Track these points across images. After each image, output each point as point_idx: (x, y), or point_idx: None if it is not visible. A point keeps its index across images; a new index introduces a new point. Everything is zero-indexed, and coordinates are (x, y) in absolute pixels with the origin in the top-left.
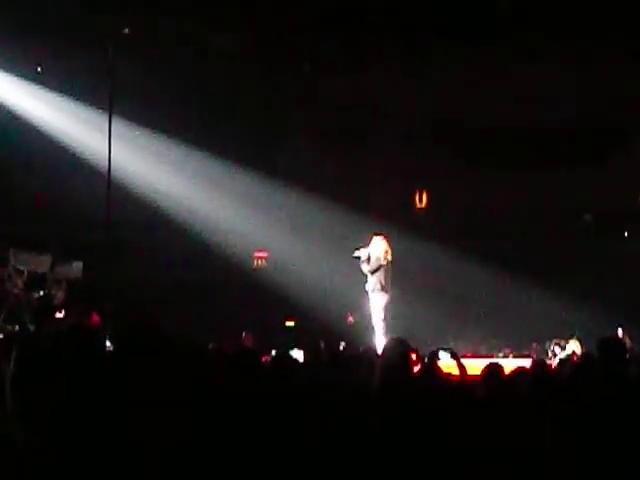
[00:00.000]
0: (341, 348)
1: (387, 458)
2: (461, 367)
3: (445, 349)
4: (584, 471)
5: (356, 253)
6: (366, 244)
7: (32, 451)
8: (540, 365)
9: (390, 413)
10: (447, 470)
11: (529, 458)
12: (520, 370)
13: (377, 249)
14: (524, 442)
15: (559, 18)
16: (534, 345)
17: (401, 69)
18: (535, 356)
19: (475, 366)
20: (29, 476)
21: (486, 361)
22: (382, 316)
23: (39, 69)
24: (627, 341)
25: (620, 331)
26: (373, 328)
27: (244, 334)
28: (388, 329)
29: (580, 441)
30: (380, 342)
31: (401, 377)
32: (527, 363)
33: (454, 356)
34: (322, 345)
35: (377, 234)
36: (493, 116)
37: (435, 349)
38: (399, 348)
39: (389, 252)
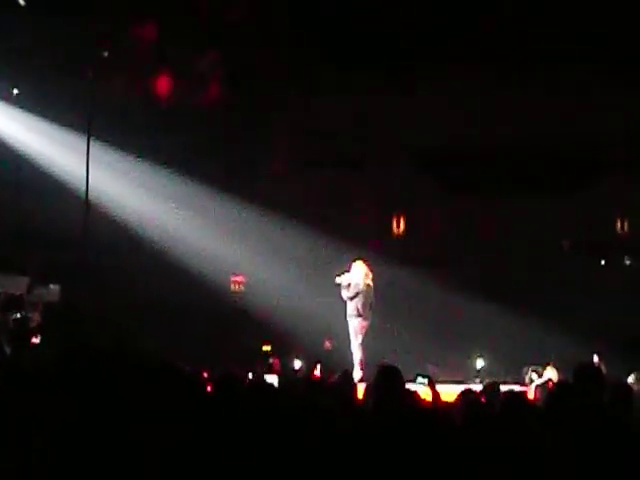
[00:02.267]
0: (317, 370)
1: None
2: (435, 393)
3: (423, 375)
4: None
5: (337, 280)
6: (347, 270)
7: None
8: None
9: (382, 431)
10: None
11: None
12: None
13: (356, 275)
14: (502, 465)
15: (541, 43)
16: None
17: (381, 95)
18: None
19: (451, 392)
20: None
21: (462, 387)
22: (359, 341)
23: (15, 91)
24: (603, 368)
25: (596, 358)
26: (351, 353)
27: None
28: (365, 355)
29: (562, 466)
30: (357, 368)
31: (393, 400)
32: (504, 389)
33: (430, 382)
34: (300, 365)
35: (357, 259)
36: (472, 143)
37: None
38: (394, 373)
39: (369, 276)
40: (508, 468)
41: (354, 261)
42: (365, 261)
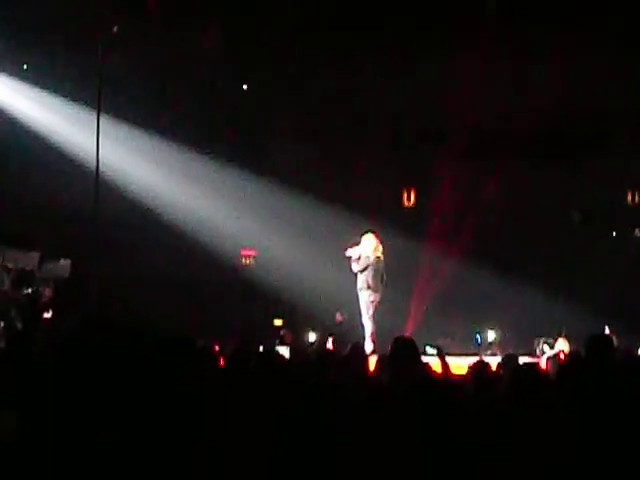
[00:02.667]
0: (329, 343)
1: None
2: (445, 365)
3: (432, 345)
4: (578, 466)
5: (348, 252)
6: (357, 243)
7: (24, 441)
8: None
9: (395, 403)
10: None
11: (522, 453)
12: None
13: (366, 247)
14: (514, 437)
15: (545, 16)
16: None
17: (388, 67)
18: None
19: (462, 364)
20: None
21: (473, 359)
22: (370, 314)
23: (25, 66)
24: (614, 339)
25: (607, 329)
26: (362, 326)
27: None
28: (376, 327)
29: (572, 438)
30: (368, 340)
31: (409, 371)
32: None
33: (439, 353)
34: (315, 338)
35: (368, 232)
36: (481, 115)
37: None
38: (410, 346)
39: (379, 248)
40: (520, 439)
41: (364, 234)
42: (375, 234)
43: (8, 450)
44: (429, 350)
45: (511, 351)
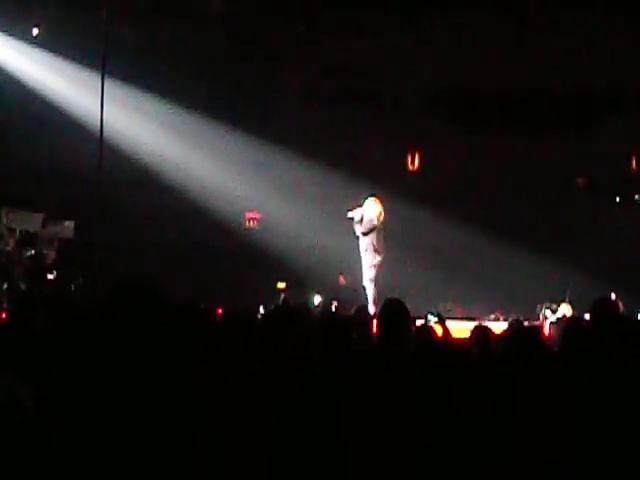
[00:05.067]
0: (333, 308)
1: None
2: (445, 330)
3: (432, 313)
4: (583, 429)
5: (349, 214)
6: (360, 205)
7: (39, 417)
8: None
9: (393, 367)
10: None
11: (524, 419)
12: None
13: (371, 210)
14: (516, 403)
15: None
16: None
17: (395, 31)
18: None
19: (464, 328)
20: (37, 441)
21: (475, 324)
22: (373, 277)
23: (36, 31)
24: (620, 305)
25: (613, 295)
26: (364, 288)
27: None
28: (378, 290)
29: (575, 404)
30: (371, 302)
31: (401, 334)
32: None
33: (440, 320)
34: (320, 301)
35: (371, 195)
36: (487, 80)
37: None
38: (399, 307)
39: (382, 214)
40: (522, 404)
41: (367, 197)
42: (378, 198)
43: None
44: (431, 318)
45: (515, 316)
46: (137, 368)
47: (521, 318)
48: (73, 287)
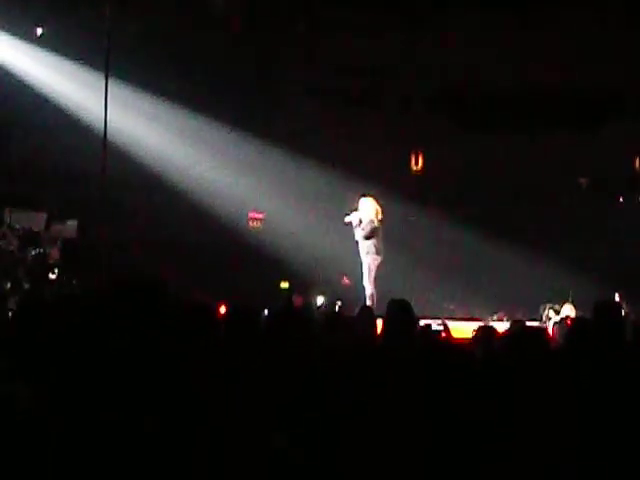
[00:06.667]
0: (337, 308)
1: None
2: (447, 330)
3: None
4: (584, 433)
5: (347, 219)
6: (355, 207)
7: (36, 408)
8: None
9: (395, 366)
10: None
11: (525, 420)
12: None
13: (368, 211)
14: (517, 404)
15: None
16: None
17: (399, 31)
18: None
19: (467, 329)
20: (34, 434)
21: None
22: (373, 277)
23: (39, 31)
24: (624, 307)
25: (617, 296)
26: (364, 288)
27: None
28: (379, 290)
29: (579, 405)
30: (368, 302)
31: (405, 334)
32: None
33: (445, 327)
34: (322, 302)
35: (364, 195)
36: (491, 80)
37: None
38: (404, 307)
39: (379, 211)
40: (524, 405)
41: (361, 197)
42: (372, 197)
43: (19, 421)
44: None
45: (518, 316)
46: (137, 368)
47: (524, 318)
48: (75, 285)
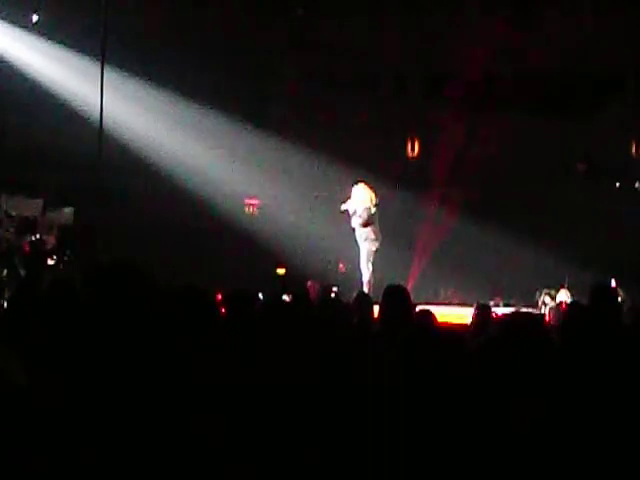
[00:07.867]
0: (333, 294)
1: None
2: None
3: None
4: (579, 413)
5: (343, 207)
6: (349, 196)
7: (33, 391)
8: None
9: (392, 351)
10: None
11: (521, 412)
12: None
13: (363, 198)
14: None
15: None
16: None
17: (395, 16)
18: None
19: (463, 314)
20: (31, 416)
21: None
22: (371, 262)
23: (35, 17)
24: (620, 293)
25: (613, 282)
26: (360, 274)
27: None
28: (375, 275)
29: (575, 388)
30: (365, 287)
31: (402, 319)
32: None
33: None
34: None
35: (357, 182)
36: (486, 64)
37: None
38: (400, 293)
39: (374, 197)
40: (522, 391)
41: (354, 185)
42: (365, 183)
43: (16, 404)
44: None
45: (514, 302)
46: (128, 359)
47: (518, 303)
48: (72, 272)
